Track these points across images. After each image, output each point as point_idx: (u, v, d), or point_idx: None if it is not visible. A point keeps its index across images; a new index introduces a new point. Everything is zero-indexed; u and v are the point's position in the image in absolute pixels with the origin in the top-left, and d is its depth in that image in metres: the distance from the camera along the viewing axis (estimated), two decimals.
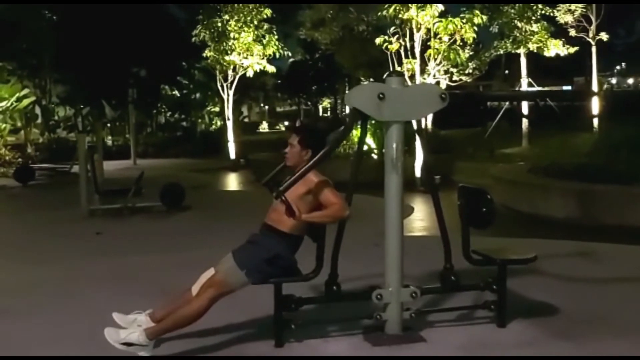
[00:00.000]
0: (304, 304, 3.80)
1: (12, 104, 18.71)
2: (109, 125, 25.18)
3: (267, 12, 17.16)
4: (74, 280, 5.36)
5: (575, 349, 3.63)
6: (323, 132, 3.92)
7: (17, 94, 19.11)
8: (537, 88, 21.90)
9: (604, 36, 19.31)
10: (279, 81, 39.27)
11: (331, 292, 3.80)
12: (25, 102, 19.50)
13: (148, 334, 3.43)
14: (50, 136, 22.21)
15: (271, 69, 17.90)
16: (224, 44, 17.08)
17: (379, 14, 12.93)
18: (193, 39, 17.58)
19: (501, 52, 20.33)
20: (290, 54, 20.25)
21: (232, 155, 17.98)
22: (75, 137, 12.70)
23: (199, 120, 28.17)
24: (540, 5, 19.06)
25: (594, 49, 19.57)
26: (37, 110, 22.03)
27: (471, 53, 16.13)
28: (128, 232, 7.86)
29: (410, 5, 11.62)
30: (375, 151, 13.26)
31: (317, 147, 3.62)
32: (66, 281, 5.34)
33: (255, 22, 17.16)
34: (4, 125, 18.17)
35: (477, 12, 12.06)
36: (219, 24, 17.08)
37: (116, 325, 3.54)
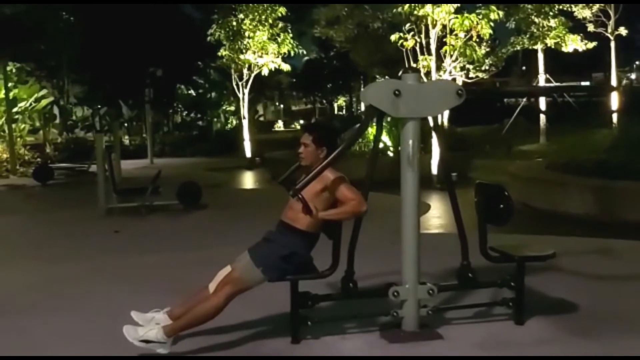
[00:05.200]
0: (321, 301, 3.79)
1: (30, 104, 18.96)
2: (126, 124, 25.42)
3: (282, 10, 17.18)
4: (93, 277, 5.41)
5: (594, 347, 3.58)
6: (336, 129, 3.94)
7: (36, 95, 19.37)
8: (555, 84, 21.68)
9: (622, 31, 19.04)
10: (294, 80, 39.31)
11: (348, 289, 3.79)
12: (44, 102, 19.75)
13: (166, 332, 3.46)
14: (69, 136, 22.47)
15: (286, 67, 17.93)
16: (239, 42, 17.14)
17: (394, 10, 12.88)
18: (208, 38, 17.67)
19: (518, 48, 20.15)
20: (305, 52, 20.25)
21: (248, 154, 18.05)
22: (93, 137, 12.88)
23: (215, 120, 28.32)
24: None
25: (612, 44, 19.31)
26: (55, 110, 22.32)
27: (488, 49, 15.99)
28: (146, 230, 7.92)
29: None
30: (391, 149, 13.21)
31: (331, 144, 3.64)
32: (85, 279, 5.39)
33: (270, 21, 17.20)
34: (23, 125, 18.41)
35: (494, 7, 11.96)
36: (234, 23, 17.15)
37: (135, 323, 3.57)
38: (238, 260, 3.61)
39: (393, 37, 12.42)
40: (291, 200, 3.58)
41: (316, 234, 3.63)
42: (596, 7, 18.79)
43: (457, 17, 11.68)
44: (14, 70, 18.84)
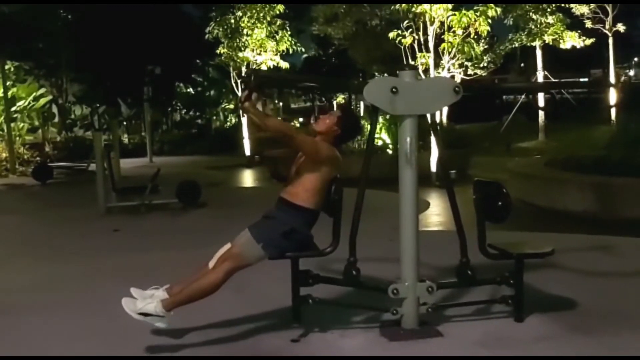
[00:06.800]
0: (322, 282, 3.80)
1: (29, 103, 18.95)
2: (124, 123, 25.40)
3: (280, 7, 17.15)
4: (92, 276, 5.42)
5: (593, 344, 3.59)
6: (359, 128, 4.08)
7: (34, 94, 19.35)
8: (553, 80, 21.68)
9: (620, 27, 19.05)
10: None
11: (350, 276, 3.73)
12: (42, 101, 19.73)
13: (165, 305, 3.46)
14: (68, 135, 22.45)
15: (285, 65, 17.90)
16: (237, 40, 17.12)
17: (392, 8, 12.88)
18: (206, 36, 17.65)
19: (516, 45, 20.14)
20: (303, 50, 20.24)
21: (247, 152, 18.04)
22: (92, 136, 12.88)
23: (214, 118, 28.28)
24: None
25: (610, 41, 19.31)
26: (54, 109, 22.29)
27: (486, 46, 15.99)
28: (145, 229, 7.92)
29: None
30: (391, 146, 13.21)
31: (346, 132, 3.76)
32: (84, 278, 5.40)
33: (268, 18, 17.17)
34: (21, 124, 18.40)
35: (491, 4, 11.95)
36: (232, 21, 17.12)
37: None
38: (238, 238, 3.64)
39: (391, 35, 12.42)
40: (290, 178, 3.65)
41: (316, 211, 3.65)
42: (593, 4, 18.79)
43: (454, 14, 11.68)
44: (12, 69, 18.80)
